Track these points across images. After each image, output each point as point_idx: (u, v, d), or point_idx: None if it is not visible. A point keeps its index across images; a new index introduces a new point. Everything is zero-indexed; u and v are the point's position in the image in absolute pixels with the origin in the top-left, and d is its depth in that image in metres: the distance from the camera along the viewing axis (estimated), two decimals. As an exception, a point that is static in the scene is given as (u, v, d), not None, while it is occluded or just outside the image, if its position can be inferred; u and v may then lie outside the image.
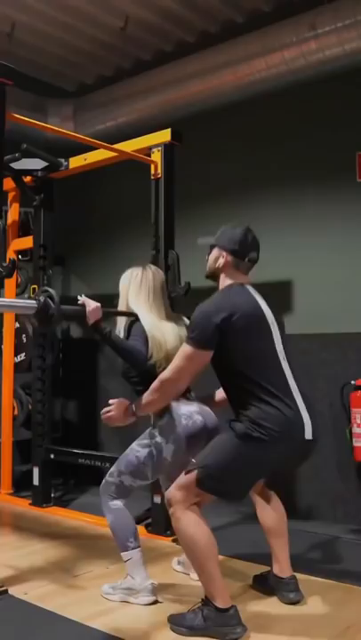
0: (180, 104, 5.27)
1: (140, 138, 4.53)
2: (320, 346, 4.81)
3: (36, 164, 4.79)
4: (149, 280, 3.33)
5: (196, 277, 4.50)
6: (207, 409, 3.26)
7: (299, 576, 3.18)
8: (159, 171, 4.38)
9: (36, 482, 4.95)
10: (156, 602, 3.11)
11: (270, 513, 3.21)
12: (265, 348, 2.84)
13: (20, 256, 5.28)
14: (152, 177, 4.41)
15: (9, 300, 4.82)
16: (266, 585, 3.21)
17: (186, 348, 2.80)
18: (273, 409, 2.70)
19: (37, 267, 5.05)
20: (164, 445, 3.14)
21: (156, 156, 4.39)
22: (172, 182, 4.41)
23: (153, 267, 3.46)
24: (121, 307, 3.35)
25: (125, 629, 2.82)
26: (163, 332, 3.21)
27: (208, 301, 2.86)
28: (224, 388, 2.97)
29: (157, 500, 4.19)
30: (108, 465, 4.58)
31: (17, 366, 5.45)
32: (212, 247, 3.08)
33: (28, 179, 5.01)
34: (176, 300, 4.05)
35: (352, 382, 4.46)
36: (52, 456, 4.92)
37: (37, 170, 4.89)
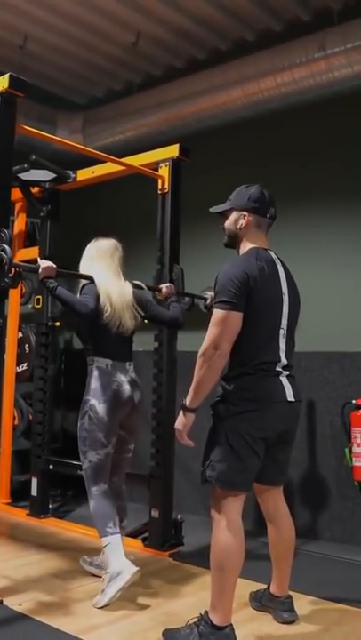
0: (189, 120, 5.32)
1: (148, 152, 4.57)
2: (322, 364, 4.81)
3: (44, 175, 4.83)
4: (100, 249, 3.70)
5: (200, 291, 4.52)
6: (136, 383, 3.62)
7: (294, 595, 3.17)
8: (166, 186, 4.40)
9: (34, 492, 4.94)
10: (135, 573, 3.19)
11: (281, 533, 3.11)
12: (270, 319, 2.83)
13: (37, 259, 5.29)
14: (159, 191, 4.44)
15: None
16: (261, 602, 3.20)
17: (217, 314, 2.72)
18: (254, 379, 2.76)
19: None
20: (98, 405, 3.47)
21: (164, 171, 4.42)
22: (179, 197, 4.44)
23: (100, 239, 3.76)
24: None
25: (119, 644, 2.81)
26: (109, 288, 3.54)
27: (231, 264, 2.84)
28: None
29: (155, 514, 4.19)
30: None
31: (18, 376, 5.46)
32: (225, 213, 3.04)
33: (35, 189, 5.04)
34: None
35: (353, 401, 4.46)
36: (50, 467, 4.91)
37: (45, 181, 4.92)
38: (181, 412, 2.84)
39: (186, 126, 5.35)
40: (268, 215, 2.99)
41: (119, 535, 3.34)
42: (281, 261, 3.00)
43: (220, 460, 2.75)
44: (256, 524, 4.86)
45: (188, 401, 2.80)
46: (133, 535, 4.27)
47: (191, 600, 3.31)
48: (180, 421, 2.83)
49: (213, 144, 5.50)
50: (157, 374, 4.35)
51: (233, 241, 3.02)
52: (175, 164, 4.42)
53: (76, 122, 6.02)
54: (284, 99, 4.81)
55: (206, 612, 2.73)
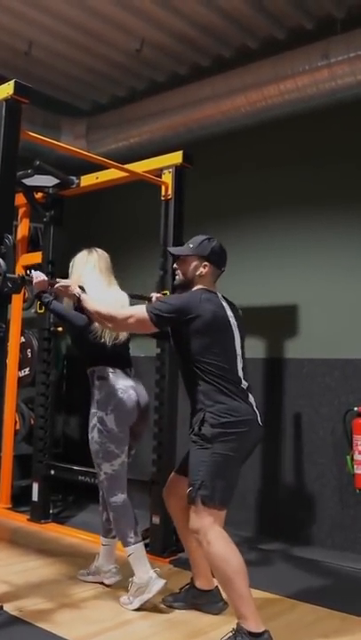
0: (193, 127, 5.33)
1: (151, 159, 4.58)
2: (324, 371, 4.81)
3: (48, 181, 4.84)
4: (95, 260, 3.68)
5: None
6: (141, 387, 3.61)
7: (294, 603, 3.16)
8: (169, 192, 4.41)
9: (35, 497, 4.94)
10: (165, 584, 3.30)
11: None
12: (227, 349, 3.04)
13: (28, 271, 5.30)
14: (162, 198, 4.45)
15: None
16: (185, 601, 3.30)
17: (142, 312, 3.02)
18: (236, 402, 2.93)
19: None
20: (105, 417, 3.45)
21: (167, 178, 4.43)
22: (182, 204, 4.45)
23: (99, 250, 3.76)
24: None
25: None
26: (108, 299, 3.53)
27: (182, 294, 3.14)
28: (187, 380, 3.13)
29: (156, 520, 4.18)
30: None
31: (20, 381, 5.46)
32: (184, 257, 3.22)
33: (39, 195, 5.05)
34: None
35: (355, 409, 4.46)
36: (52, 472, 4.91)
37: (49, 187, 4.94)
38: (78, 289, 3.33)
39: (189, 133, 5.37)
40: (222, 269, 3.25)
41: (142, 544, 3.41)
42: (224, 297, 3.20)
43: (212, 480, 2.83)
44: (257, 532, 4.88)
45: (85, 300, 3.26)
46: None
47: (195, 610, 3.31)
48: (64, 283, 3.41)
49: (217, 151, 5.51)
50: (159, 380, 4.35)
51: (186, 284, 3.22)
52: (178, 171, 4.43)
53: (79, 128, 6.04)
54: (287, 106, 4.82)
55: (238, 624, 2.73)
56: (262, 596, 3.42)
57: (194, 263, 3.18)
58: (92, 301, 3.25)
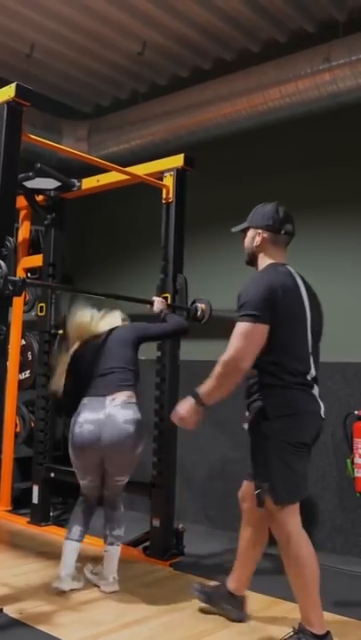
0: (194, 130, 5.34)
1: (152, 162, 4.58)
2: (325, 374, 4.74)
3: (49, 183, 4.84)
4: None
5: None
6: (116, 422, 3.42)
7: (293, 606, 3.14)
8: (171, 195, 4.42)
9: (35, 500, 4.93)
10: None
11: (264, 536, 3.13)
12: (298, 333, 2.87)
13: (29, 274, 5.31)
14: (163, 201, 4.45)
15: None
16: (211, 598, 3.25)
17: (241, 326, 2.73)
18: (292, 392, 2.78)
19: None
20: (69, 445, 3.54)
21: (169, 181, 4.43)
22: (183, 207, 4.45)
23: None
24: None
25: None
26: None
27: (252, 279, 2.89)
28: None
29: (156, 523, 4.18)
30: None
31: (21, 383, 5.46)
32: (244, 232, 3.10)
33: (40, 197, 5.06)
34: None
35: (355, 412, 4.45)
36: (52, 475, 4.90)
37: (50, 189, 4.94)
38: (191, 399, 2.81)
39: (191, 136, 5.37)
40: (283, 232, 3.03)
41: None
42: (300, 275, 3.02)
43: (278, 479, 2.75)
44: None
45: (203, 396, 2.78)
46: (134, 544, 4.26)
47: (191, 611, 3.31)
48: (186, 408, 2.83)
49: (218, 154, 5.52)
50: (160, 383, 4.35)
51: (251, 258, 3.09)
52: (180, 174, 4.44)
53: (81, 130, 6.04)
54: (288, 109, 4.82)
55: (300, 624, 2.75)
56: (263, 599, 3.41)
57: (250, 234, 3.07)
58: (207, 385, 2.81)
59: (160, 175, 4.50)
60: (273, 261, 3.00)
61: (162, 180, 4.47)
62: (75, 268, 6.36)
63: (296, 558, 2.75)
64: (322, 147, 5.07)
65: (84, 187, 4.85)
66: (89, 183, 4.82)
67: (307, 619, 2.73)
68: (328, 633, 2.73)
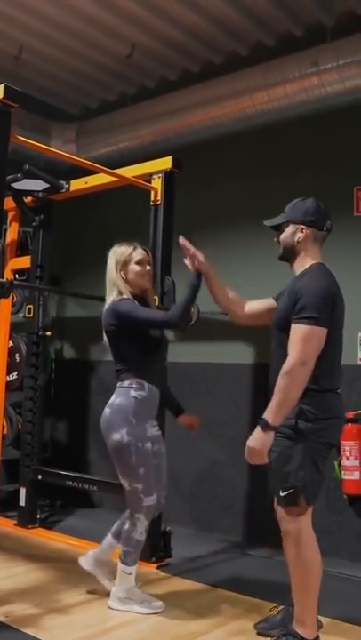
0: (182, 132, 5.34)
1: (141, 164, 4.59)
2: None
3: (38, 185, 4.84)
4: None
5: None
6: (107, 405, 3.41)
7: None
8: (159, 197, 4.42)
9: (22, 502, 4.92)
10: None
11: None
12: (340, 340, 2.87)
13: (17, 275, 5.30)
14: (151, 203, 4.46)
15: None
16: (281, 625, 2.97)
17: (302, 329, 2.68)
18: (333, 396, 2.81)
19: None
20: None
21: (157, 183, 4.44)
22: (172, 209, 4.46)
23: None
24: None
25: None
26: None
27: (314, 279, 2.82)
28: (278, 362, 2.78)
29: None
30: (95, 488, 4.58)
31: (8, 385, 5.44)
32: (280, 227, 3.03)
33: (28, 199, 5.05)
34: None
35: (343, 414, 4.46)
36: (39, 477, 4.90)
37: (38, 191, 4.94)
38: (260, 430, 2.67)
39: (179, 138, 5.37)
40: (324, 228, 2.98)
41: None
42: None
43: (305, 477, 2.72)
44: (246, 538, 4.87)
45: (270, 419, 2.66)
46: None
47: (178, 612, 3.31)
48: (260, 440, 2.66)
49: (206, 157, 5.52)
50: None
51: (289, 254, 3.01)
52: (168, 176, 4.44)
53: (69, 132, 6.03)
54: (276, 113, 4.84)
55: (292, 628, 2.74)
56: (250, 601, 3.42)
57: (290, 229, 2.97)
58: (272, 405, 2.70)
59: (148, 177, 4.51)
60: (318, 261, 2.94)
61: (150, 183, 4.48)
62: (63, 270, 6.36)
63: (303, 558, 2.75)
64: (309, 150, 5.09)
65: (72, 188, 4.85)
66: (77, 185, 4.82)
67: (301, 620, 2.74)
68: (317, 638, 2.74)
